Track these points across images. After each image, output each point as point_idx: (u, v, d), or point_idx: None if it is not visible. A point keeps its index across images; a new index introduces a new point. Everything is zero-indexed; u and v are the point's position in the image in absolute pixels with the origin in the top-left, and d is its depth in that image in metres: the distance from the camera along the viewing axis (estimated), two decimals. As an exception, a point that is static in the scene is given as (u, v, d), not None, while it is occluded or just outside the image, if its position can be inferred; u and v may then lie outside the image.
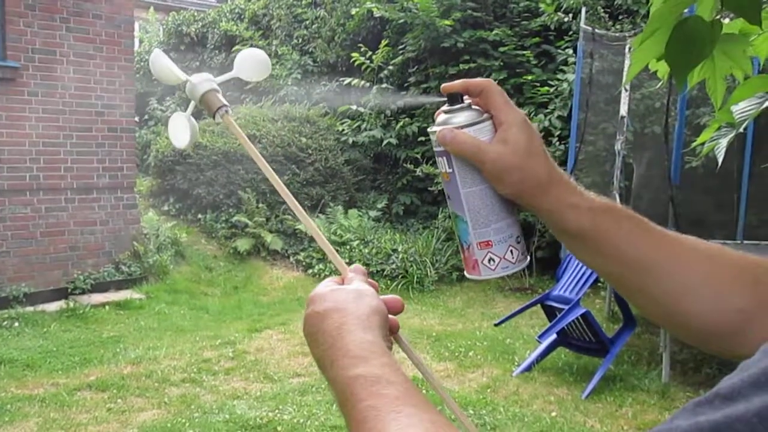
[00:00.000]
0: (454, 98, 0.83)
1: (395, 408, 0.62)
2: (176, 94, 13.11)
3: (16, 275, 7.11)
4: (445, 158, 0.83)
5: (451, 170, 0.82)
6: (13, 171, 7.18)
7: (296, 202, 0.94)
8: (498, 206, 0.82)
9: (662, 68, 1.57)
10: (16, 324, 6.36)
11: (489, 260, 0.84)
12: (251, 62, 1.08)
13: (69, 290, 7.34)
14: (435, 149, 0.84)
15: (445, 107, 0.84)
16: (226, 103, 1.00)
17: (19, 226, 7.24)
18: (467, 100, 0.83)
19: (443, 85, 0.83)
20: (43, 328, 6.35)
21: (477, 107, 0.82)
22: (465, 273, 0.88)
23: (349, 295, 0.78)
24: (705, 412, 0.45)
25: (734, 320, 0.76)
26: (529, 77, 9.12)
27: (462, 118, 0.81)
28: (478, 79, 0.82)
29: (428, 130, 0.85)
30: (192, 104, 1.05)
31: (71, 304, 7.00)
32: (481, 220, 0.82)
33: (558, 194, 0.79)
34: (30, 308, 6.78)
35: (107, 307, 7.04)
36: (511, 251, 0.84)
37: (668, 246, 0.79)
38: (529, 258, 0.87)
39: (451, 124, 0.81)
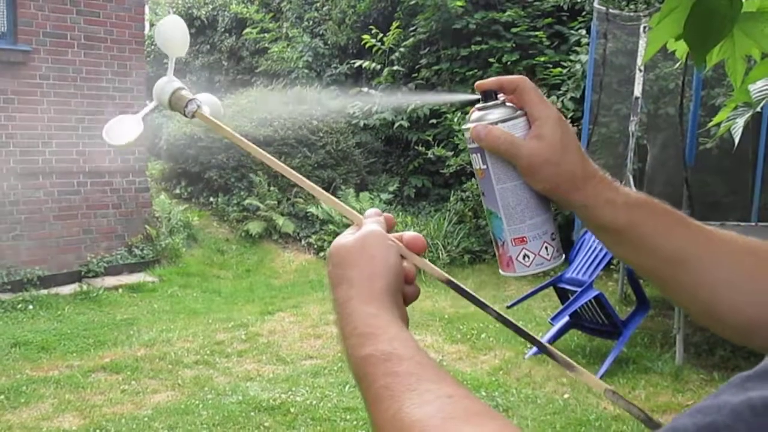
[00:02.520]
0: (488, 95, 0.83)
1: (409, 385, 0.61)
2: (187, 77, 13.09)
3: (30, 258, 7.15)
4: (479, 155, 0.82)
5: (485, 167, 0.82)
6: (26, 155, 7.20)
7: (291, 170, 0.95)
8: (533, 202, 0.81)
9: (680, 48, 1.55)
10: (31, 307, 6.41)
11: (524, 257, 0.83)
12: (169, 34, 1.04)
13: (82, 273, 7.38)
14: (469, 146, 0.84)
15: (479, 104, 0.83)
16: (194, 96, 1.01)
17: (33, 209, 7.27)
18: (501, 97, 0.83)
19: (477, 82, 0.83)
20: (57, 310, 6.39)
21: (511, 104, 0.82)
22: (500, 270, 0.87)
23: (353, 254, 0.78)
24: (756, 387, 0.44)
25: None
26: (542, 58, 9.05)
27: (496, 114, 0.81)
28: (512, 76, 0.82)
29: (462, 127, 0.85)
30: (150, 106, 1.04)
31: (85, 287, 7.04)
32: (516, 216, 0.82)
33: (593, 189, 0.78)
34: (44, 291, 6.83)
35: (120, 290, 7.08)
36: (546, 248, 0.83)
37: (706, 240, 0.78)
38: (563, 255, 0.86)
39: (486, 120, 0.81)
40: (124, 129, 1.02)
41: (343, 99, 10.39)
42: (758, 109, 1.97)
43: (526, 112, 0.80)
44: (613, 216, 0.78)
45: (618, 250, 0.82)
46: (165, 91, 1.00)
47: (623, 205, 0.78)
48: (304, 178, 0.96)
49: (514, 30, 9.34)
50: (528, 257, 0.83)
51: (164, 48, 1.03)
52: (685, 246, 0.78)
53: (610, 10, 7.00)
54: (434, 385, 0.61)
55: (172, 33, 1.03)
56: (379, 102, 9.92)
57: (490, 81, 0.83)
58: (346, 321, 0.72)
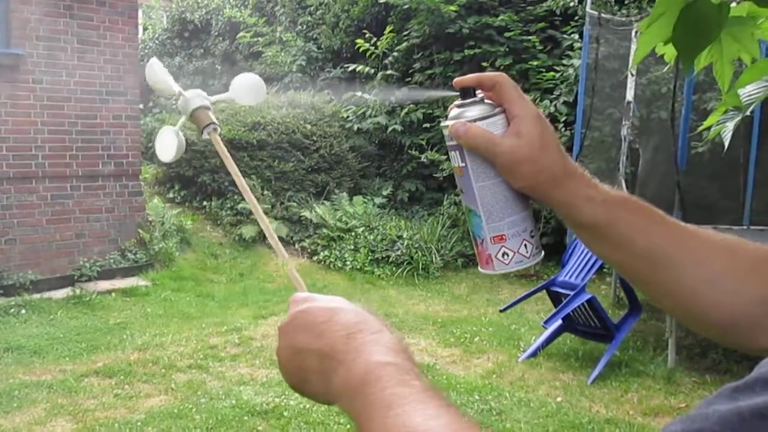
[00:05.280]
0: (467, 92, 0.82)
1: (422, 400, 0.61)
2: (180, 81, 13.04)
3: (23, 263, 7.13)
4: (458, 152, 0.82)
5: (464, 164, 0.82)
6: (19, 159, 7.19)
7: (271, 231, 0.96)
8: (511, 200, 0.81)
9: (669, 52, 1.56)
10: (23, 311, 6.38)
11: (503, 255, 0.83)
12: (247, 87, 1.12)
13: (75, 277, 7.37)
14: (448, 143, 0.83)
15: (457, 101, 0.83)
16: (215, 120, 1.03)
17: (25, 213, 7.25)
18: (480, 94, 0.82)
19: (456, 79, 0.83)
20: (49, 315, 6.37)
21: (490, 101, 0.81)
22: (479, 268, 0.87)
23: (361, 311, 0.76)
24: (745, 397, 0.44)
25: (752, 312, 0.75)
26: (535, 63, 9.08)
27: (475, 111, 0.81)
28: (491, 73, 0.82)
29: (441, 124, 0.85)
30: (183, 118, 1.07)
31: (77, 292, 7.03)
32: (495, 214, 0.82)
33: (572, 187, 0.78)
34: (36, 295, 6.81)
35: (113, 294, 7.07)
36: (525, 245, 0.83)
37: (684, 238, 0.79)
38: (543, 253, 0.86)
39: (464, 117, 0.81)
40: (166, 144, 1.06)
41: (337, 103, 10.41)
42: (748, 113, 1.99)
43: (505, 110, 0.80)
44: (593, 213, 0.78)
45: (597, 248, 0.82)
46: (194, 100, 1.04)
47: (602, 202, 0.78)
48: (275, 235, 0.97)
49: (507, 34, 9.37)
50: (507, 255, 0.83)
51: (233, 89, 1.12)
52: (663, 243, 0.78)
53: (603, 15, 7.04)
54: (444, 403, 0.61)
55: (245, 87, 1.12)
56: (371, 109, 9.93)
57: (469, 78, 0.82)
58: (365, 337, 0.69)
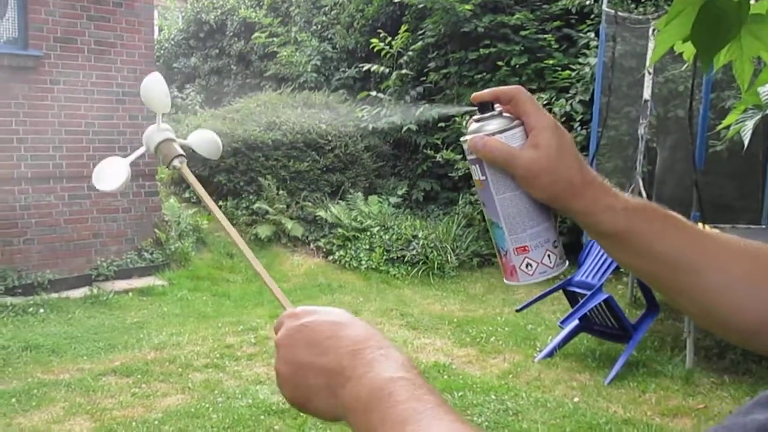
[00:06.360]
0: (485, 106, 0.83)
1: (437, 414, 0.60)
2: (196, 81, 13.13)
3: (41, 262, 7.19)
4: (478, 166, 0.83)
5: (484, 178, 0.83)
6: (37, 159, 7.25)
7: (244, 244, 0.99)
8: (533, 211, 0.82)
9: (688, 50, 1.55)
10: (42, 310, 6.44)
11: (526, 266, 0.84)
12: (204, 141, 1.14)
13: (93, 277, 7.42)
14: (468, 158, 0.84)
15: (476, 116, 0.84)
16: (182, 152, 1.06)
17: (43, 213, 7.32)
18: (498, 107, 0.83)
19: (474, 94, 0.84)
20: (67, 314, 6.42)
21: (508, 114, 0.82)
22: (504, 279, 0.88)
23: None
24: None
25: None
26: (551, 61, 9.03)
27: (493, 125, 0.82)
28: (508, 87, 0.83)
29: (460, 139, 0.86)
30: (138, 152, 1.07)
31: (95, 291, 7.08)
32: (517, 225, 0.83)
33: (592, 196, 0.79)
34: (54, 295, 6.86)
35: (130, 293, 7.11)
36: (549, 256, 0.84)
37: (705, 244, 0.78)
38: (567, 262, 0.86)
39: (483, 131, 0.82)
40: (112, 174, 1.05)
41: (352, 103, 10.43)
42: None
43: (523, 122, 0.81)
44: (613, 221, 0.78)
45: (619, 256, 0.82)
46: (162, 133, 1.05)
47: (623, 210, 0.78)
48: (252, 256, 1.01)
49: (522, 33, 9.34)
50: (531, 266, 0.84)
51: (191, 138, 1.11)
52: (684, 250, 0.78)
53: (619, 13, 6.99)
54: (458, 419, 0.61)
55: (202, 140, 1.14)
56: (386, 108, 9.94)
57: (487, 92, 0.83)
58: (371, 353, 0.69)
